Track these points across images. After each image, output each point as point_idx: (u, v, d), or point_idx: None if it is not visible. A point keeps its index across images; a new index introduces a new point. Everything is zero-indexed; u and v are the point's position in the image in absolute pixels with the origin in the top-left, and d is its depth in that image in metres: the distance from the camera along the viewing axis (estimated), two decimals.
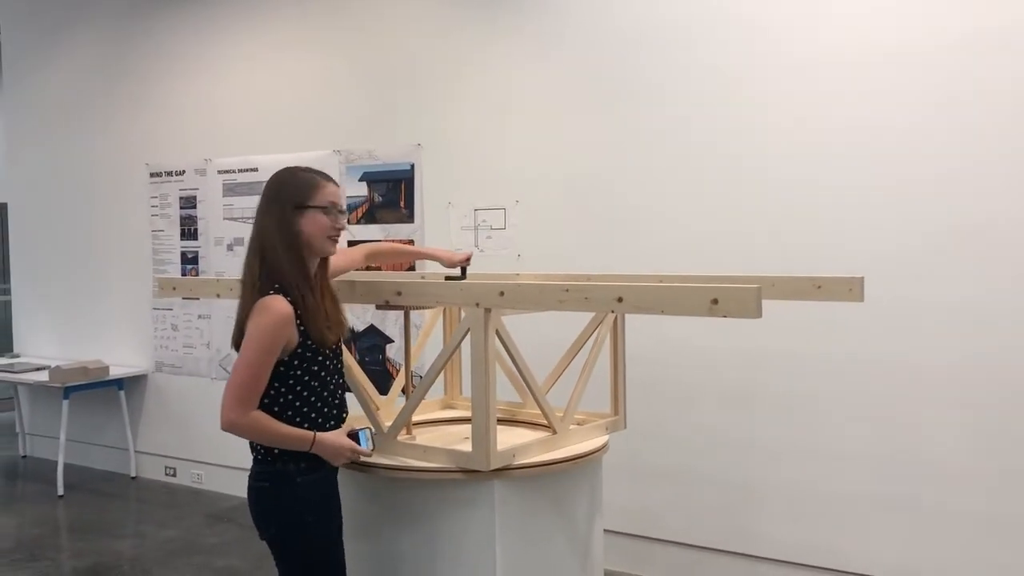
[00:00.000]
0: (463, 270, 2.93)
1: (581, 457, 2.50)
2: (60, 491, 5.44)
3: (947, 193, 3.27)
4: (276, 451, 2.24)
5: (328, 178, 2.36)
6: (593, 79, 4.02)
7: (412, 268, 4.58)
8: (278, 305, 2.17)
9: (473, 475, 2.34)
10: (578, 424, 2.72)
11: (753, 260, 3.63)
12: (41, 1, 6.22)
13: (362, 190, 4.75)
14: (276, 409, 2.23)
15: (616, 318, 2.74)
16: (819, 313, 3.50)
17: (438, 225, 4.50)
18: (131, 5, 5.73)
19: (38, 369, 5.82)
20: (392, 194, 4.66)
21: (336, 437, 2.26)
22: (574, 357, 2.79)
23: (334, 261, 2.49)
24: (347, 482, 2.59)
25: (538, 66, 4.17)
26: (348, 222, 4.73)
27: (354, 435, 2.29)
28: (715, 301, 1.87)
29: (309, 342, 2.23)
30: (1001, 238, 3.18)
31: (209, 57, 5.39)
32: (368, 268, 4.61)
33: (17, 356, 6.41)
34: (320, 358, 2.27)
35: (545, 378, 2.78)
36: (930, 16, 3.27)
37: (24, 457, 6.50)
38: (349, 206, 4.80)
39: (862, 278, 2.54)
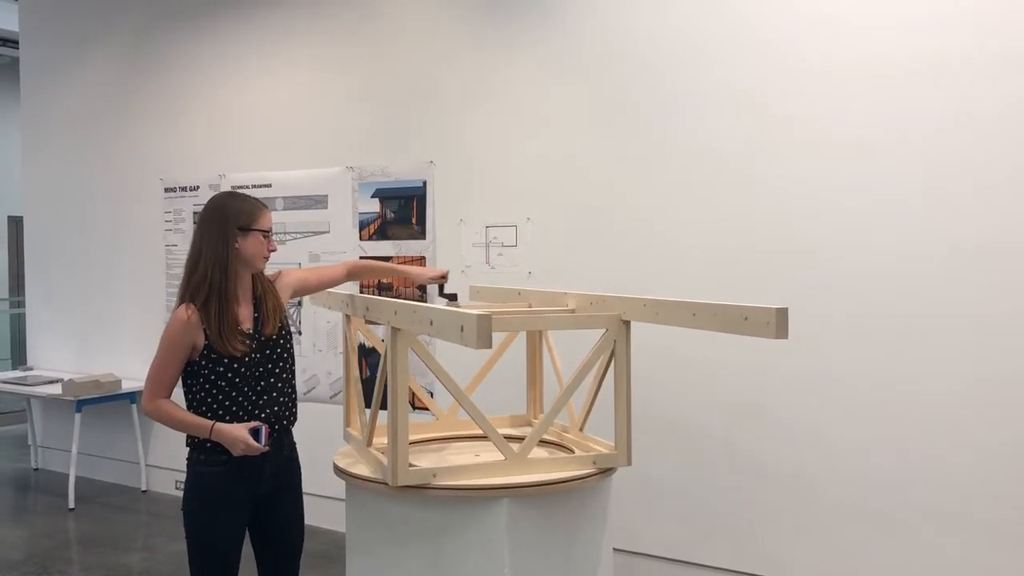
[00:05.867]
0: (441, 287, 3.02)
1: (530, 486, 2.40)
2: (71, 504, 5.45)
3: (964, 209, 3.26)
4: (188, 440, 2.61)
5: (266, 206, 2.69)
6: (606, 97, 4.04)
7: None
8: (180, 313, 2.53)
9: (484, 493, 2.36)
10: (572, 451, 2.70)
11: (768, 276, 3.63)
12: (58, 16, 6.30)
13: (374, 207, 4.78)
14: (195, 404, 2.58)
15: (616, 343, 2.59)
16: (828, 328, 3.50)
17: (450, 242, 4.52)
18: (147, 22, 5.79)
19: (51, 382, 5.85)
20: (404, 211, 4.68)
21: (234, 428, 2.50)
22: (600, 381, 2.70)
23: (310, 277, 2.88)
24: (355, 498, 2.62)
25: (551, 84, 4.20)
26: (361, 238, 4.79)
27: (255, 431, 2.50)
28: (462, 328, 1.96)
29: (216, 347, 2.51)
30: (1016, 254, 3.18)
31: (223, 73, 5.44)
32: (380, 283, 4.66)
33: (30, 369, 6.45)
34: (227, 361, 2.53)
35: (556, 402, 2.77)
36: (945, 32, 3.28)
37: (36, 470, 6.52)
38: (362, 222, 4.83)
39: (780, 311, 2.11)
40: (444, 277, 3.02)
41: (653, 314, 2.47)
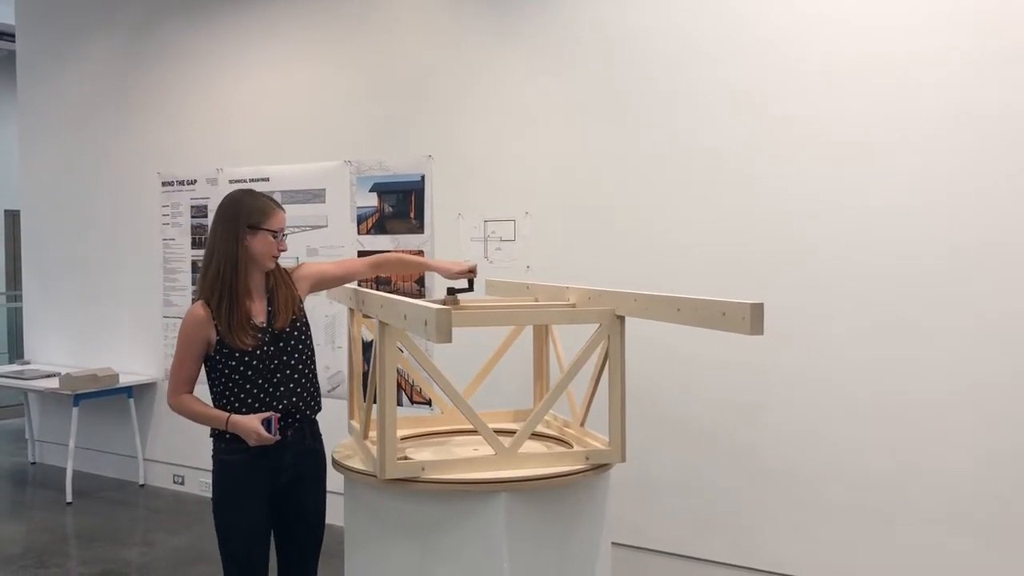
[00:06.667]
0: (470, 282, 2.98)
1: (519, 481, 2.40)
2: (69, 498, 5.46)
3: (964, 210, 3.26)
4: (212, 431, 2.67)
5: (279, 206, 2.74)
6: (605, 91, 4.03)
7: (421, 279, 4.60)
8: (193, 310, 2.63)
9: (475, 487, 2.37)
10: (571, 446, 2.70)
11: (768, 275, 3.63)
12: (55, 9, 6.28)
13: (372, 201, 4.77)
14: (216, 397, 2.67)
15: (610, 337, 2.55)
16: (828, 328, 3.50)
17: (448, 236, 4.52)
18: (145, 15, 5.78)
19: (48, 376, 5.85)
20: (402, 205, 4.68)
21: (248, 420, 2.58)
22: (598, 375, 2.66)
23: (332, 270, 2.90)
24: (352, 490, 2.63)
25: (550, 78, 4.19)
26: (359, 232, 4.79)
27: (267, 421, 2.58)
28: (425, 323, 2.03)
29: (227, 341, 2.60)
30: (1016, 254, 3.18)
31: (222, 67, 5.43)
32: (379, 278, 4.66)
33: (27, 363, 6.44)
34: (239, 355, 2.61)
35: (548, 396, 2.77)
36: (945, 33, 3.28)
37: (33, 464, 6.52)
38: (360, 216, 4.83)
39: (755, 306, 2.04)
40: (472, 271, 3.00)
41: (643, 309, 2.47)
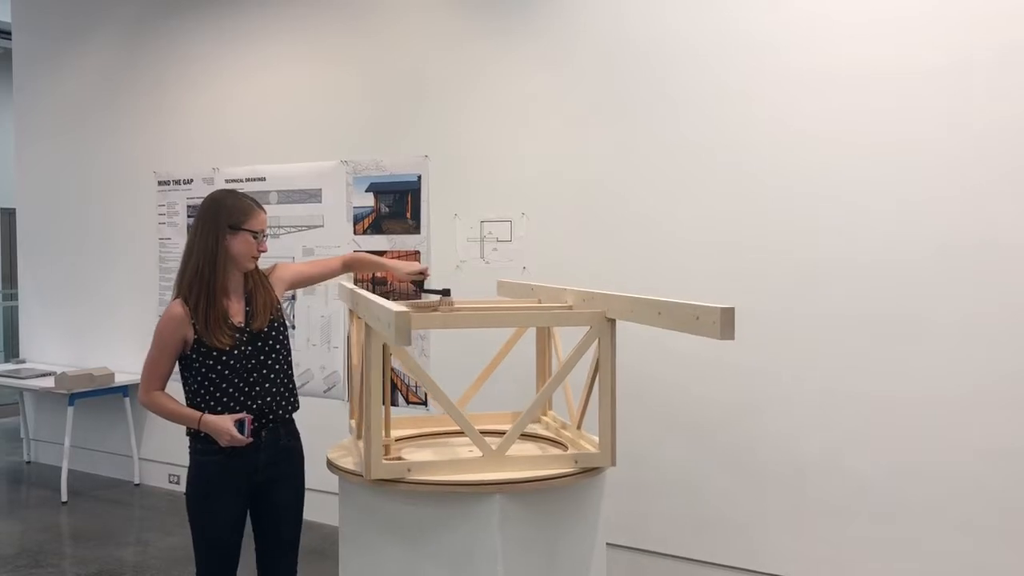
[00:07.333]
0: (420, 283, 3.04)
1: (507, 483, 2.39)
2: (64, 497, 5.45)
3: (957, 210, 3.27)
4: (188, 429, 2.68)
5: (261, 206, 2.74)
6: (601, 92, 4.03)
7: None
8: (171, 308, 2.63)
9: (476, 488, 2.36)
10: (563, 449, 2.71)
11: (762, 273, 3.63)
12: (51, 7, 6.27)
13: (369, 201, 4.77)
14: (191, 395, 2.68)
15: (600, 340, 2.53)
16: (825, 327, 3.50)
17: (444, 236, 4.51)
18: (142, 14, 5.77)
19: (44, 375, 5.84)
20: (399, 205, 4.68)
21: (220, 420, 2.59)
22: (593, 378, 2.64)
23: (306, 270, 2.96)
24: (346, 490, 2.62)
25: (547, 79, 4.19)
26: (355, 232, 4.79)
27: (240, 422, 2.59)
28: (388, 325, 2.02)
29: (204, 339, 2.60)
30: (1012, 254, 3.18)
31: (218, 66, 5.42)
32: (374, 278, 4.66)
33: (23, 362, 6.43)
34: (216, 354, 2.62)
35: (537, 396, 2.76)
36: (939, 33, 3.28)
37: (28, 463, 6.51)
38: (356, 216, 4.82)
39: (725, 311, 2.00)
40: (422, 273, 3.04)
41: (629, 312, 2.47)
